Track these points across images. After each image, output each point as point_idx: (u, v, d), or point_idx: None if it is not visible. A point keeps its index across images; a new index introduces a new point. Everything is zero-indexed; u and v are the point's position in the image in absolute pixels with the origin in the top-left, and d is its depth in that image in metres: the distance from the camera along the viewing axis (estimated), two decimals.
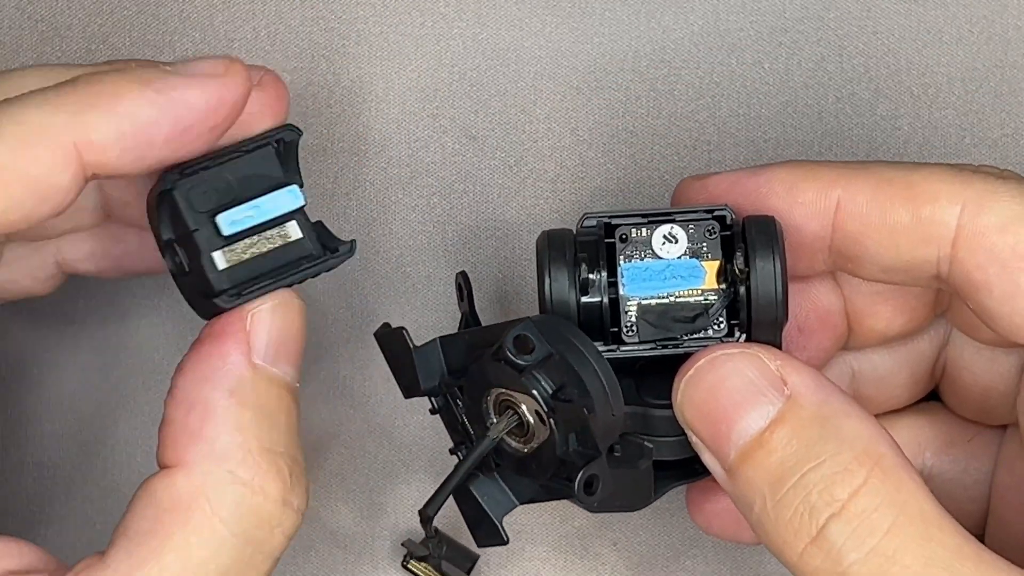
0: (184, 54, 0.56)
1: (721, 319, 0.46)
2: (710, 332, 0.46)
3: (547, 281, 0.46)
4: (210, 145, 0.44)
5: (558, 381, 0.44)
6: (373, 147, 0.56)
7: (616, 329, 0.46)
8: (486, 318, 0.55)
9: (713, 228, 0.46)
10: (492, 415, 0.46)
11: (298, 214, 0.45)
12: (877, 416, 0.52)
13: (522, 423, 0.45)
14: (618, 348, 0.46)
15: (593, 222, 0.47)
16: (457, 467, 0.45)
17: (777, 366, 0.44)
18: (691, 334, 0.46)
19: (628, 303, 0.46)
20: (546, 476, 0.45)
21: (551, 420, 0.44)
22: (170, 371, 0.45)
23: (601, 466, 0.44)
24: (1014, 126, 0.56)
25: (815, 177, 0.46)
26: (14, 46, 0.56)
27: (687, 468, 0.48)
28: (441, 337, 0.47)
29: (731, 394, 0.44)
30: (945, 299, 0.49)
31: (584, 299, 0.46)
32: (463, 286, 0.51)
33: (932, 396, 0.53)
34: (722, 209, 0.46)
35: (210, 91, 0.43)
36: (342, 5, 0.56)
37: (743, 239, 0.46)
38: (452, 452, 0.48)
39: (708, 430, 0.44)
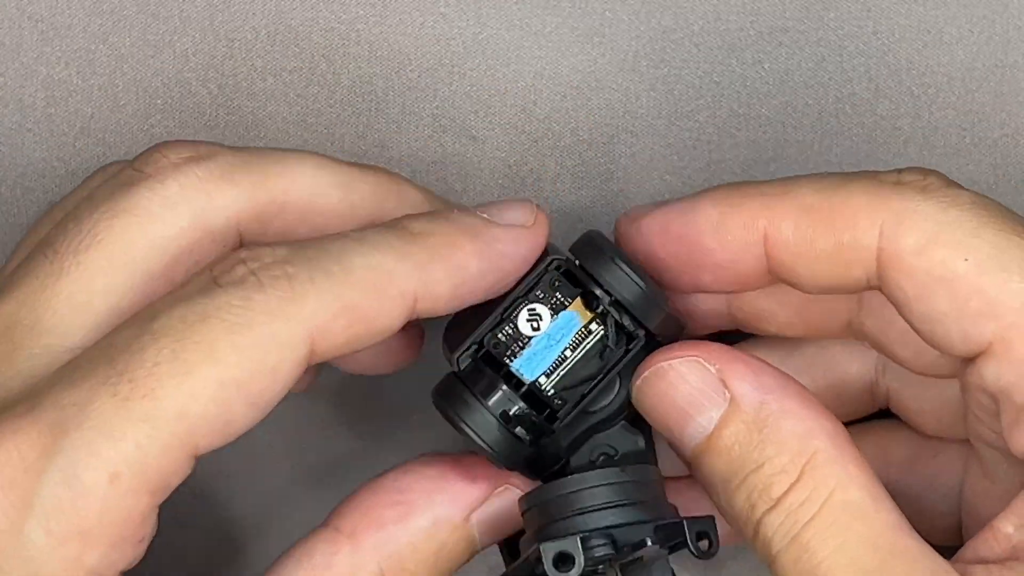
0: (184, 54, 0.56)
1: (624, 335, 0.47)
2: (629, 349, 0.47)
3: (469, 430, 0.46)
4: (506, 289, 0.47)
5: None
6: (373, 147, 0.56)
7: (549, 411, 0.47)
8: None
9: (553, 277, 0.47)
10: None
11: None
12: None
13: None
14: (560, 421, 0.47)
15: (466, 358, 0.47)
16: None
17: (717, 370, 0.45)
18: (608, 365, 0.47)
19: (539, 384, 0.47)
20: None
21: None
22: None
23: None
24: (1014, 126, 0.56)
25: (740, 210, 0.47)
26: (14, 46, 0.56)
27: None
28: None
29: (677, 401, 0.46)
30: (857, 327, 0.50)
31: (509, 410, 0.47)
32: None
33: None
34: (547, 257, 0.47)
35: (525, 243, 0.46)
36: (342, 5, 0.56)
37: (580, 267, 0.47)
38: None
39: (664, 429, 0.47)
